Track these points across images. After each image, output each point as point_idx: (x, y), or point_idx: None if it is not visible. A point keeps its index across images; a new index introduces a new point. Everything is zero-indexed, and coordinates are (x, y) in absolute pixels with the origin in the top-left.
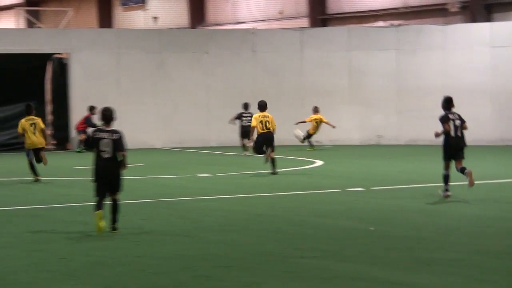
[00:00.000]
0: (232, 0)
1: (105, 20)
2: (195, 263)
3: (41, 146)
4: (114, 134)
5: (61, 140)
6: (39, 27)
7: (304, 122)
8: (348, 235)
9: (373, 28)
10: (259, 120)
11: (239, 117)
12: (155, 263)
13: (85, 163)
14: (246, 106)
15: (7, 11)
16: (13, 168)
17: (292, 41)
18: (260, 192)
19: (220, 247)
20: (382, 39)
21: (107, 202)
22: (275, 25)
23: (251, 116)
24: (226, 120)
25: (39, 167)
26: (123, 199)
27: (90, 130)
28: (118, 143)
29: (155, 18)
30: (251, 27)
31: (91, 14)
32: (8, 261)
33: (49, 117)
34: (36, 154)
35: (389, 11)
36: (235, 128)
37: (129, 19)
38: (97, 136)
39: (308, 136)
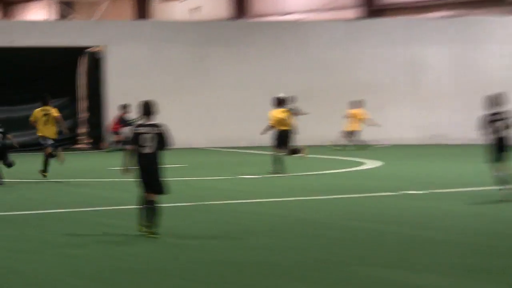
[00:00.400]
0: None
1: (142, 11)
2: (239, 270)
3: (51, 137)
4: (156, 128)
5: (95, 138)
6: (72, 19)
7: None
8: (403, 241)
9: (430, 19)
10: (277, 117)
11: None
12: (196, 269)
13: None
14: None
15: (39, 1)
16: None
17: (343, 33)
18: (310, 195)
19: (265, 253)
20: (440, 31)
21: (148, 206)
22: (325, 16)
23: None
24: None
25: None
26: (164, 202)
27: (126, 129)
28: (163, 137)
29: (196, 8)
30: (298, 18)
31: (127, 5)
32: (39, 267)
33: (83, 115)
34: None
35: (444, 2)
36: None
37: (167, 10)
38: (137, 131)
39: (348, 134)
